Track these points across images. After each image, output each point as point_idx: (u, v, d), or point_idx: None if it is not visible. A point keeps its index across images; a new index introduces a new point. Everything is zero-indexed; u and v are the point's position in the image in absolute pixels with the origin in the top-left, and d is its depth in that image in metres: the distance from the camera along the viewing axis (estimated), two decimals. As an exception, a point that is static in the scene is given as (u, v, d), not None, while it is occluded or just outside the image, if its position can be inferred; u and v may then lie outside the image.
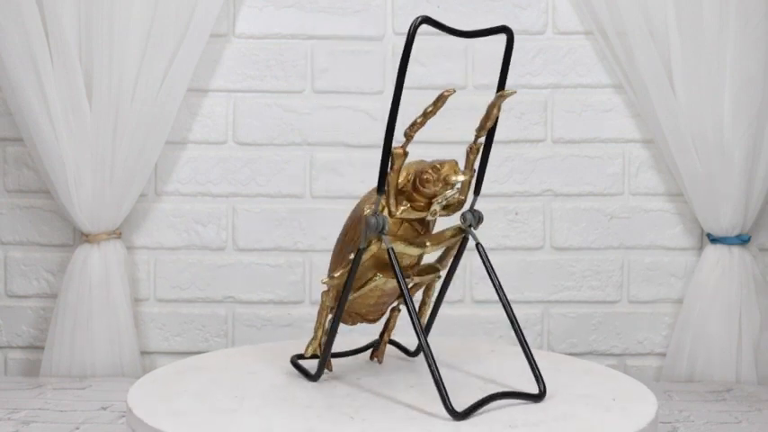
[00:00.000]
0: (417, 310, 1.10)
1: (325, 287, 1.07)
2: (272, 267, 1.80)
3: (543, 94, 1.80)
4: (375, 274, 1.03)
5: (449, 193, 0.98)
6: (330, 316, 1.06)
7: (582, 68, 1.80)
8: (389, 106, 0.92)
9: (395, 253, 0.97)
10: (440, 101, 0.95)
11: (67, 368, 1.70)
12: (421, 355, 1.20)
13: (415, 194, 0.99)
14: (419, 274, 1.08)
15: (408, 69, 0.92)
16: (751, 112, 1.68)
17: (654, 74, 1.70)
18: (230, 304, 1.80)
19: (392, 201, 0.98)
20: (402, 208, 0.99)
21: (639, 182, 1.80)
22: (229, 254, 1.80)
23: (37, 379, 1.69)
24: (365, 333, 1.25)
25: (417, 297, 1.14)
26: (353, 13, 1.80)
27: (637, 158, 1.80)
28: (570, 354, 1.77)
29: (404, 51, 0.90)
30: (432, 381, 0.92)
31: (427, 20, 0.92)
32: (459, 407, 0.91)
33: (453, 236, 1.05)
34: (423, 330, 0.94)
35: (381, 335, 1.17)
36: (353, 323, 1.12)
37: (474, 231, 1.05)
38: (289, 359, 1.14)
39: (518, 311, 1.09)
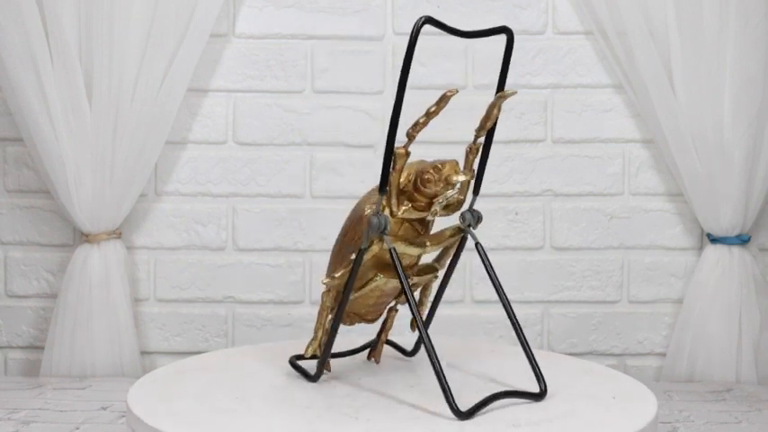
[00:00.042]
0: (417, 310, 1.10)
1: (325, 287, 1.07)
2: (272, 267, 1.80)
3: (543, 94, 1.80)
4: (376, 275, 1.03)
5: (449, 192, 0.98)
6: (330, 316, 1.06)
7: (582, 68, 1.80)
8: (390, 106, 0.92)
9: (397, 253, 0.97)
10: (443, 101, 0.95)
11: (67, 368, 1.70)
12: (418, 354, 1.20)
13: (415, 194, 0.99)
14: (418, 274, 1.08)
15: (409, 69, 0.92)
16: (751, 112, 1.68)
17: (654, 74, 1.70)
18: (230, 304, 1.80)
19: (393, 201, 0.98)
20: (403, 208, 0.99)
21: (639, 182, 1.80)
22: (229, 254, 1.80)
23: (37, 379, 1.69)
24: (362, 333, 1.25)
25: (415, 297, 1.13)
26: (353, 13, 1.80)
27: (637, 158, 1.80)
28: (570, 354, 1.77)
29: (407, 51, 0.91)
30: (431, 380, 0.92)
31: (430, 20, 0.92)
32: (462, 406, 0.91)
33: (453, 235, 1.05)
34: (427, 333, 0.94)
35: (379, 335, 1.17)
36: (352, 323, 1.12)
37: (473, 231, 1.05)
38: (288, 359, 1.14)
39: (518, 311, 1.09)
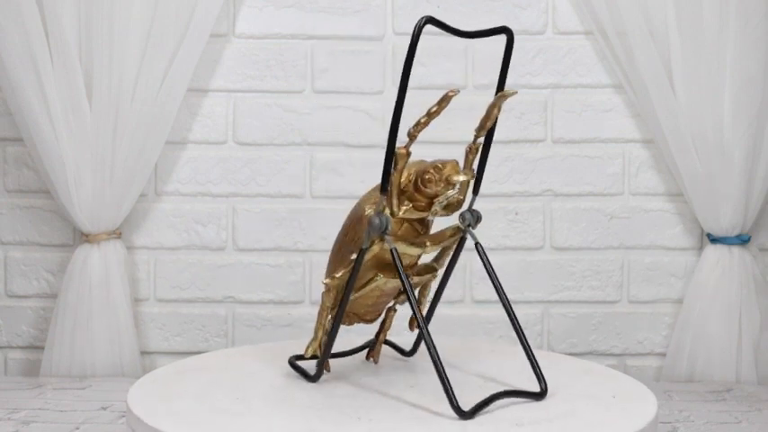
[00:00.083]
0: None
1: (325, 287, 1.07)
2: (272, 267, 1.80)
3: (543, 94, 1.80)
4: (376, 275, 1.03)
5: (450, 192, 0.98)
6: (330, 316, 1.06)
7: (582, 68, 1.80)
8: (390, 106, 0.92)
9: (398, 253, 0.97)
10: (444, 101, 0.95)
11: (67, 368, 1.70)
12: (417, 354, 1.20)
13: (416, 194, 0.99)
14: (417, 274, 1.08)
15: (409, 69, 0.92)
16: (751, 112, 1.68)
17: (654, 74, 1.70)
18: (230, 304, 1.80)
19: (394, 201, 0.98)
20: (404, 208, 0.99)
21: (639, 182, 1.80)
22: (229, 254, 1.80)
23: (37, 379, 1.69)
24: (361, 333, 1.25)
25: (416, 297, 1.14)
26: (353, 13, 1.80)
27: (637, 158, 1.80)
28: (570, 354, 1.77)
29: (408, 51, 0.90)
30: (431, 380, 0.92)
31: (431, 20, 0.92)
32: (463, 406, 0.91)
33: (452, 235, 1.05)
34: (429, 333, 0.94)
35: (377, 335, 1.17)
36: (351, 323, 1.12)
37: (473, 231, 1.05)
38: (288, 360, 1.14)
39: (518, 311, 1.09)
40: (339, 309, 1.02)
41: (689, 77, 1.69)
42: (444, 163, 0.98)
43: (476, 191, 1.07)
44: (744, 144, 1.69)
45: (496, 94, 1.00)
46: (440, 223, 1.05)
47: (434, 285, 1.13)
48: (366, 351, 1.19)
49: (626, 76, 1.76)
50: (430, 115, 0.95)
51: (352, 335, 1.26)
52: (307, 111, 1.80)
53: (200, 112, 1.79)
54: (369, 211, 1.00)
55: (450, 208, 1.03)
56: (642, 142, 1.80)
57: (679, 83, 1.69)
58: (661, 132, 1.73)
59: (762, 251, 1.79)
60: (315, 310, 1.73)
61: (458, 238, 1.06)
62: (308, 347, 1.08)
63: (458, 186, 0.98)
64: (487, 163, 1.07)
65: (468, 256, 1.12)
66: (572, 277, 1.80)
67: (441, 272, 1.11)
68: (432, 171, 0.98)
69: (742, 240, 1.73)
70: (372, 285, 1.03)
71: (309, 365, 1.09)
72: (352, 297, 1.03)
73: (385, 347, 1.20)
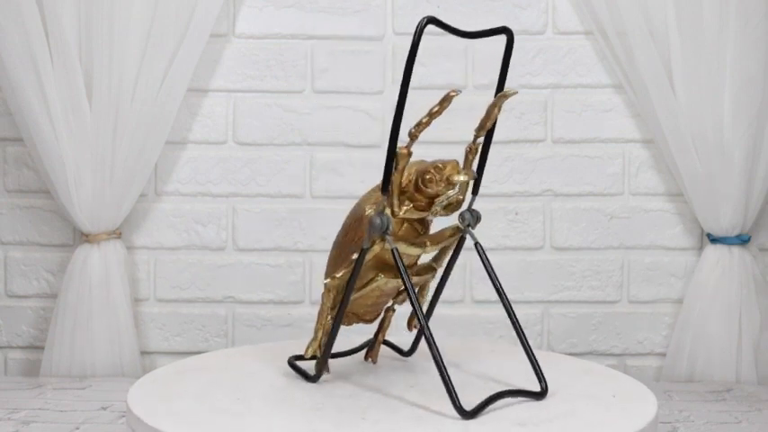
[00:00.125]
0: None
1: (324, 288, 1.07)
2: (272, 267, 1.80)
3: (543, 94, 1.80)
4: (377, 275, 1.03)
5: (450, 192, 0.98)
6: (330, 316, 1.06)
7: (582, 68, 1.80)
8: (390, 106, 0.92)
9: (399, 253, 0.97)
10: (445, 101, 0.95)
11: (67, 368, 1.70)
12: (415, 354, 1.20)
13: (416, 194, 0.99)
14: (417, 274, 1.08)
15: (409, 69, 0.92)
16: (751, 112, 1.68)
17: (654, 74, 1.70)
18: (230, 304, 1.80)
19: (395, 201, 0.98)
20: (405, 208, 0.99)
21: (639, 182, 1.80)
22: (229, 254, 1.80)
23: (37, 379, 1.69)
24: (360, 333, 1.25)
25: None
26: (353, 13, 1.80)
27: (637, 158, 1.80)
28: (570, 354, 1.77)
29: (410, 52, 0.91)
30: (430, 380, 0.92)
31: (433, 20, 0.92)
32: (464, 406, 0.91)
33: (452, 235, 1.05)
34: (431, 334, 0.94)
35: (376, 335, 1.17)
36: (350, 323, 1.12)
37: (472, 231, 1.05)
38: (287, 360, 1.14)
39: (518, 311, 1.09)
40: (339, 309, 1.02)
41: (689, 77, 1.69)
42: (445, 163, 0.98)
43: (475, 191, 1.07)
44: (744, 144, 1.69)
45: (496, 94, 1.00)
46: (439, 223, 1.05)
47: (433, 285, 1.13)
48: (365, 351, 1.19)
49: (626, 76, 1.76)
50: (431, 115, 0.96)
51: (351, 335, 1.26)
52: (307, 111, 1.80)
53: (200, 112, 1.79)
54: (369, 211, 1.00)
55: (450, 208, 1.03)
56: (642, 142, 1.80)
57: (679, 83, 1.69)
58: (661, 132, 1.73)
59: (762, 251, 1.79)
60: (315, 311, 1.73)
61: (457, 237, 1.06)
62: (307, 348, 1.08)
63: (458, 186, 0.98)
64: (487, 163, 1.08)
65: (468, 256, 1.12)
66: (572, 277, 1.80)
67: (439, 272, 1.11)
68: (432, 171, 0.98)
69: (742, 240, 1.73)
70: (373, 285, 1.03)
71: (309, 366, 1.09)
72: (352, 297, 1.03)
73: (383, 347, 1.20)
